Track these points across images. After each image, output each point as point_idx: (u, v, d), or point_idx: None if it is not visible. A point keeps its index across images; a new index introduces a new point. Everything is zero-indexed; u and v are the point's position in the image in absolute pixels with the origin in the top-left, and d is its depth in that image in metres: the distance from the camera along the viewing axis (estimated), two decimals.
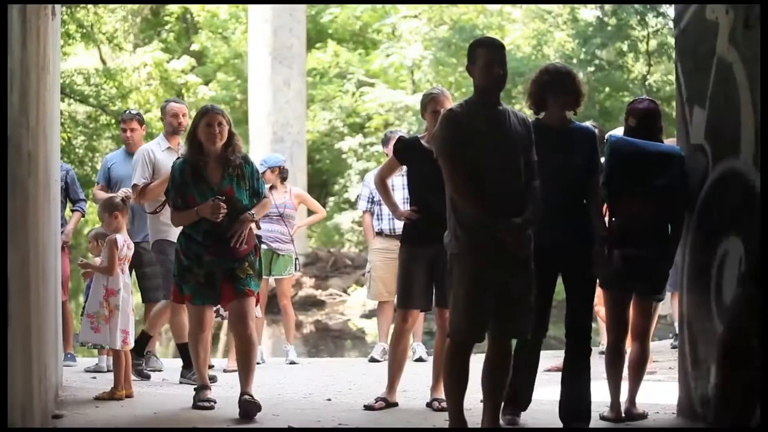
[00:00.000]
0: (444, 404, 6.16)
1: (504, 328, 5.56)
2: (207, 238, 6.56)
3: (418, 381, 7.64)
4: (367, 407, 6.80)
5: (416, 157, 6.74)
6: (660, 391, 7.23)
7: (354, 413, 6.71)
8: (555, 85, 6.07)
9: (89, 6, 20.59)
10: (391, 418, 6.53)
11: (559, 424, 6.16)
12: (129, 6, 25.71)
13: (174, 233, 7.29)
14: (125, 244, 7.34)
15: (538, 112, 6.17)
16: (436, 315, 6.81)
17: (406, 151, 6.85)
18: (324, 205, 26.27)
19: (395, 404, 6.91)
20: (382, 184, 7.07)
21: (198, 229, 6.60)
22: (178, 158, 6.92)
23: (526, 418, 6.34)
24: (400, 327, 6.93)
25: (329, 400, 7.34)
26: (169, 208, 6.93)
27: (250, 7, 22.49)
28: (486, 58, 5.52)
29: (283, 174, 9.83)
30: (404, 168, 7.34)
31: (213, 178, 6.62)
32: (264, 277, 9.44)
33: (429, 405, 6.81)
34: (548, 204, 5.72)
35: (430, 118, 6.62)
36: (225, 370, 8.80)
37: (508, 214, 5.40)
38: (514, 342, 5.77)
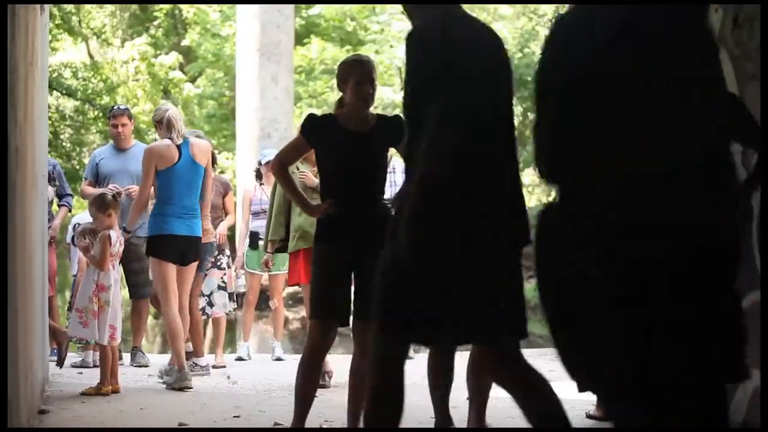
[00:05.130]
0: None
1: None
2: None
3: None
4: None
5: (332, 138, 5.36)
6: None
7: (339, 410, 6.69)
8: None
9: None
10: None
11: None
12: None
13: None
14: (118, 240, 7.33)
15: None
16: (355, 331, 5.67)
17: (317, 131, 5.39)
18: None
19: None
20: (282, 170, 5.51)
21: None
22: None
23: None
24: (321, 343, 5.67)
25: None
26: None
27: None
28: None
29: None
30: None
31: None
32: (259, 273, 9.50)
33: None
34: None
35: (353, 91, 5.33)
36: (214, 366, 8.85)
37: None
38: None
